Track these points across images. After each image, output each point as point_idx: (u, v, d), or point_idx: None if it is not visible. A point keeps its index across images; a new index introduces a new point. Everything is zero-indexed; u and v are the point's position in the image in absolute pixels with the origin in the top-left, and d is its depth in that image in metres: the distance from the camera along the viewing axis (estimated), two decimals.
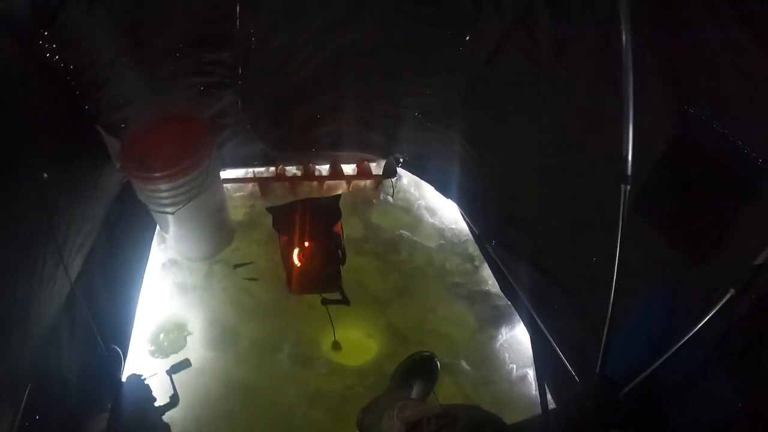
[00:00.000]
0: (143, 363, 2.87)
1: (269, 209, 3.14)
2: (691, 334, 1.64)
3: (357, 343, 3.00)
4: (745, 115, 1.55)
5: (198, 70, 2.85)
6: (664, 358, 1.75)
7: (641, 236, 1.91)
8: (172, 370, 1.95)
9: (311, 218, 3.03)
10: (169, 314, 3.12)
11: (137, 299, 2.94)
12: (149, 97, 2.88)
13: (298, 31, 2.72)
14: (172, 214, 2.79)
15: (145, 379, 1.91)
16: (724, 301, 1.51)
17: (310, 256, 2.95)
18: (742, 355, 1.60)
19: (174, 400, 1.91)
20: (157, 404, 2.02)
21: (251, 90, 3.03)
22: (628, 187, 1.85)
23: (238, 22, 2.65)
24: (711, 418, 1.71)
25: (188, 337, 3.02)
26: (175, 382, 2.49)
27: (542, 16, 2.26)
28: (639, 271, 1.97)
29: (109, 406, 2.40)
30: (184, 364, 1.99)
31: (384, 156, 3.67)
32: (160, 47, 2.69)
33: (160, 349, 2.99)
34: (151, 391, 1.89)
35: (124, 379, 1.86)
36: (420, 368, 2.73)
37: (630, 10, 1.70)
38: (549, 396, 2.62)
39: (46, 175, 2.21)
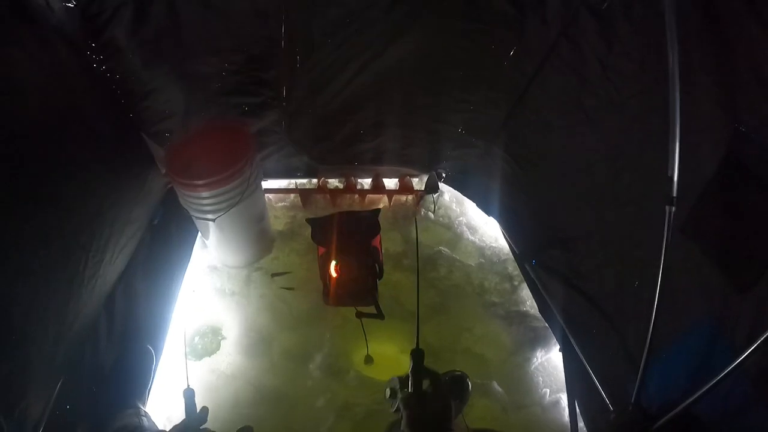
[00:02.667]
0: (176, 364, 2.90)
1: (309, 220, 3.15)
2: (732, 366, 1.56)
3: (389, 358, 2.98)
4: None
5: (242, 90, 2.89)
6: (703, 390, 1.67)
7: (688, 261, 1.84)
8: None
9: (350, 231, 3.01)
10: (205, 318, 3.16)
11: (175, 301, 2.98)
12: (193, 113, 2.94)
13: (342, 51, 2.73)
14: (213, 221, 2.82)
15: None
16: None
17: (347, 268, 2.94)
18: None
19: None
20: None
21: (295, 110, 3.06)
22: (673, 208, 1.80)
23: (283, 43, 2.68)
24: None
25: (222, 342, 3.06)
26: (205, 387, 2.53)
27: (588, 28, 2.22)
28: (683, 297, 1.90)
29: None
30: (247, 430, 2.04)
31: (426, 171, 3.65)
32: (204, 66, 2.74)
33: (194, 352, 3.03)
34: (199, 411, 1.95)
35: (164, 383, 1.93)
36: (451, 387, 2.68)
37: (678, 27, 1.67)
38: (581, 424, 2.55)
39: (93, 179, 2.28)
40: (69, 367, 2.15)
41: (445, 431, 1.46)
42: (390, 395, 1.66)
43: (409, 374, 1.58)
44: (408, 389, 1.57)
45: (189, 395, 1.97)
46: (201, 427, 1.94)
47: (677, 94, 1.72)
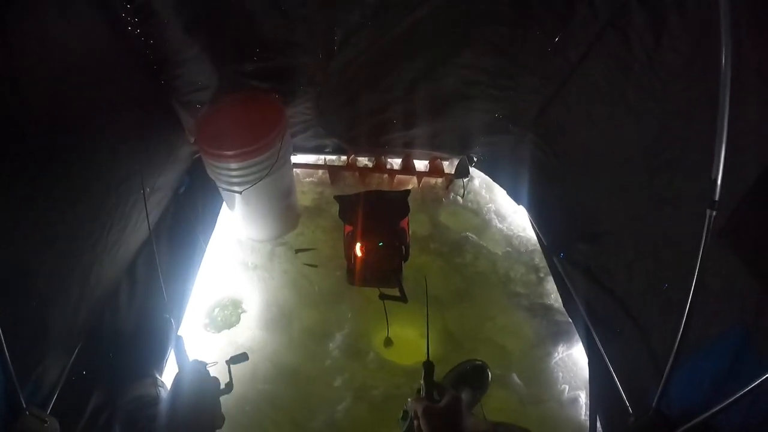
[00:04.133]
0: (195, 335, 2.92)
1: (337, 198, 3.12)
2: (759, 381, 1.51)
3: (410, 342, 2.95)
4: None
5: (275, 74, 2.88)
6: (726, 402, 1.61)
7: (723, 267, 1.78)
8: (232, 361, 1.96)
9: (378, 211, 2.99)
10: (226, 290, 3.15)
11: (196, 272, 2.97)
12: (224, 89, 2.92)
13: (380, 36, 2.69)
14: (240, 193, 2.80)
15: (208, 365, 1.91)
16: None
17: (373, 249, 2.91)
18: None
19: (229, 388, 1.91)
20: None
21: (328, 94, 3.03)
22: (714, 212, 1.73)
23: (319, 31, 2.66)
24: None
25: (242, 315, 3.05)
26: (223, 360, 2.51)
27: (637, 19, 2.14)
28: (714, 304, 1.84)
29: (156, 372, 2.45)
30: (242, 357, 2.00)
31: (458, 155, 3.60)
32: (241, 46, 2.73)
33: (214, 324, 3.03)
34: (213, 380, 1.90)
35: (187, 359, 1.88)
36: (471, 377, 2.66)
37: (732, 22, 1.59)
38: (599, 424, 2.50)
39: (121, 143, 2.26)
40: (88, 333, 2.15)
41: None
42: (402, 416, 1.67)
43: (421, 384, 1.60)
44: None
45: (178, 343, 1.92)
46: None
47: (727, 94, 1.64)
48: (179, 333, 1.96)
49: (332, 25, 2.66)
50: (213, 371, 1.83)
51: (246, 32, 2.67)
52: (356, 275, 2.96)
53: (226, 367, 1.93)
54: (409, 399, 1.59)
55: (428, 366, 1.64)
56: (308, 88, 2.97)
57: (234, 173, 2.73)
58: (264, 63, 2.80)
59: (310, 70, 2.86)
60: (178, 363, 1.86)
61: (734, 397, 1.59)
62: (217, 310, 3.09)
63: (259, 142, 2.65)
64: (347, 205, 3.07)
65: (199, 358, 1.88)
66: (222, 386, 1.90)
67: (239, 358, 2.01)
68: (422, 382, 1.60)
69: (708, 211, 1.74)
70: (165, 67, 2.63)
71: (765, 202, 1.66)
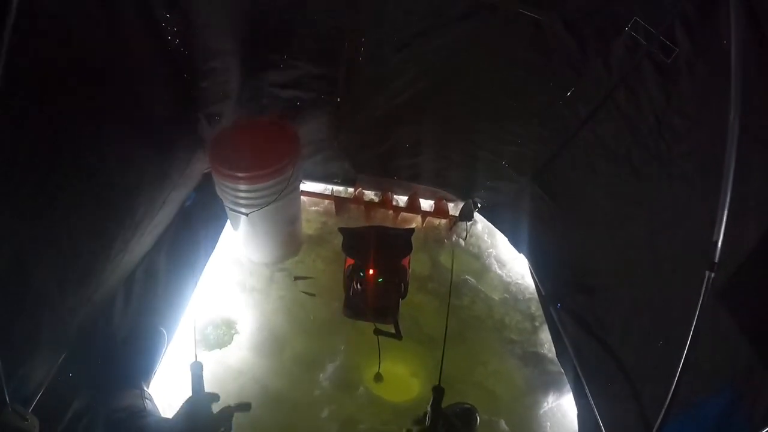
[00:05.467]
0: (186, 352, 2.89)
1: (342, 230, 3.13)
2: None
3: (400, 379, 2.95)
4: None
5: (299, 83, 2.90)
6: None
7: (717, 328, 1.80)
8: (235, 409, 1.97)
9: (382, 247, 2.99)
10: (221, 310, 3.15)
11: (194, 288, 2.96)
12: (246, 99, 2.94)
13: (403, 58, 2.73)
14: (246, 215, 2.81)
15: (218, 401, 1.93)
16: None
17: (372, 283, 2.92)
18: None
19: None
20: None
21: (347, 111, 3.06)
22: (713, 274, 1.76)
23: (347, 43, 2.70)
24: None
25: (235, 336, 3.04)
26: (211, 379, 2.51)
27: (649, 80, 2.19)
28: (706, 365, 1.86)
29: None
30: (245, 407, 2.00)
31: (462, 198, 3.63)
32: (267, 51, 2.76)
33: (205, 342, 3.02)
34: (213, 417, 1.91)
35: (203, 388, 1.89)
36: (459, 419, 2.64)
37: (744, 90, 1.63)
38: None
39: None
40: (80, 338, 2.14)
41: None
42: None
43: (429, 409, 1.56)
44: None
45: (196, 369, 1.92)
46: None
47: (733, 158, 1.68)
48: (197, 358, 1.94)
49: (360, 39, 2.72)
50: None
51: (275, 39, 2.72)
52: (353, 308, 2.96)
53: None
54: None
55: (438, 392, 1.59)
56: (329, 99, 3.00)
57: (242, 195, 2.75)
58: (290, 71, 2.84)
59: (333, 81, 2.90)
60: (193, 389, 1.87)
61: None
62: (210, 328, 3.08)
63: (271, 167, 2.67)
64: (351, 238, 3.07)
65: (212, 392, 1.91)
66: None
67: (242, 407, 2.01)
68: (429, 408, 1.56)
69: (707, 273, 1.77)
70: (194, 77, 2.65)
71: (764, 267, 1.69)
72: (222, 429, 1.90)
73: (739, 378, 1.74)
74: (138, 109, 2.28)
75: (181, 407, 1.86)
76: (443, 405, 2.55)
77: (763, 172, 1.67)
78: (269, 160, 2.69)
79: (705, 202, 1.84)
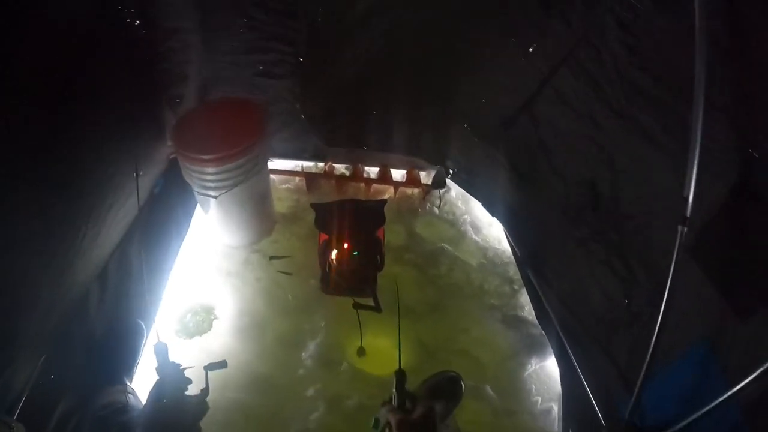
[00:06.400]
0: (166, 341, 2.85)
1: (314, 205, 3.10)
2: (726, 396, 1.53)
3: (383, 351, 2.93)
4: None
5: (259, 46, 2.84)
6: (694, 416, 1.64)
7: (689, 283, 1.80)
8: (210, 368, 1.95)
9: (354, 220, 2.98)
10: (199, 296, 3.10)
11: (168, 277, 2.93)
12: (207, 74, 2.88)
13: (363, 15, 2.70)
14: (215, 198, 2.76)
15: (183, 368, 1.89)
16: (766, 366, 1.40)
17: (348, 257, 2.90)
18: None
19: (204, 393, 1.90)
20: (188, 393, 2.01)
21: (310, 72, 3.00)
22: (686, 229, 1.75)
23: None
24: None
25: (214, 322, 3.01)
26: (196, 369, 2.48)
27: (611, 37, 2.16)
28: (681, 319, 1.86)
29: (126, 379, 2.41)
30: (222, 364, 1.99)
31: (434, 165, 3.60)
32: (226, 18, 2.70)
33: (185, 330, 2.97)
34: (186, 381, 1.88)
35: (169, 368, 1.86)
36: (445, 388, 2.64)
37: (708, 45, 1.61)
38: None
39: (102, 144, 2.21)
40: (58, 338, 2.10)
41: None
42: (373, 424, 1.63)
43: (393, 393, 1.57)
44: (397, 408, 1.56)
45: (160, 349, 1.90)
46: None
47: (700, 114, 1.67)
48: (157, 340, 1.91)
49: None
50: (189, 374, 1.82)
51: (232, 4, 2.67)
52: (330, 284, 2.94)
53: (204, 372, 1.91)
54: (382, 408, 1.57)
55: (400, 375, 1.61)
56: (291, 59, 2.93)
57: (209, 177, 2.70)
58: (248, 35, 2.78)
59: (294, 40, 2.83)
60: (159, 371, 1.84)
61: (700, 412, 1.61)
62: (189, 315, 3.03)
63: (237, 147, 2.62)
64: (323, 214, 3.05)
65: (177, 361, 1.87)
66: (198, 391, 1.89)
67: (217, 365, 1.99)
68: (394, 391, 1.58)
69: (680, 228, 1.76)
70: (155, 60, 2.58)
71: (733, 220, 1.69)
72: (201, 389, 1.90)
73: (713, 330, 1.75)
74: (99, 96, 2.20)
75: (149, 392, 1.84)
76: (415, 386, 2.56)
77: (728, 126, 1.65)
78: (234, 140, 2.65)
79: (670, 157, 1.84)
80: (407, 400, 1.57)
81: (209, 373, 1.95)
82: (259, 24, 2.75)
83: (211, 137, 2.66)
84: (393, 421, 1.46)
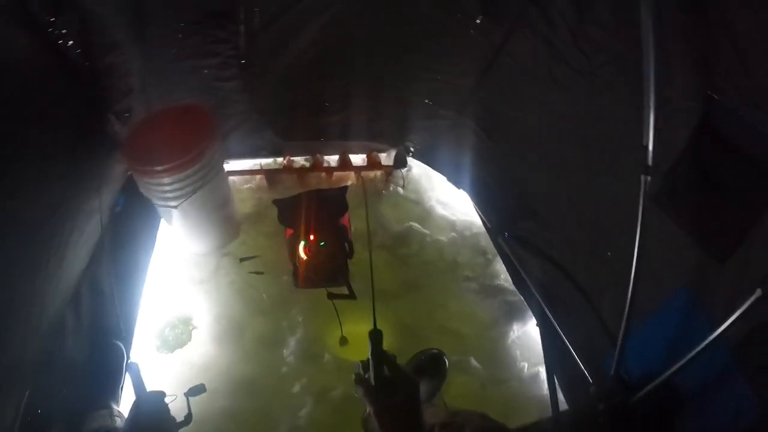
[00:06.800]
0: (148, 358, 2.84)
1: (275, 201, 3.08)
2: (712, 337, 1.54)
3: (365, 338, 2.91)
4: None
5: (201, 51, 2.79)
6: (682, 362, 1.65)
7: (662, 232, 1.82)
8: (190, 393, 1.94)
9: (317, 211, 2.96)
10: (174, 309, 3.08)
11: (141, 293, 2.89)
12: (152, 85, 2.85)
13: (303, 9, 2.65)
14: (175, 207, 2.73)
15: (166, 396, 1.88)
16: (749, 302, 1.40)
17: (315, 249, 2.89)
18: (765, 362, 1.50)
19: (187, 420, 1.89)
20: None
21: (256, 72, 2.96)
22: (649, 178, 1.76)
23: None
24: (729, 427, 1.61)
25: (193, 332, 2.99)
26: (179, 380, 2.47)
27: None
28: (659, 269, 1.88)
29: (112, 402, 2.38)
30: (200, 388, 1.98)
31: (394, 146, 3.59)
32: (162, 26, 2.64)
33: (165, 344, 2.95)
34: (168, 410, 1.87)
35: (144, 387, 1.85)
36: (428, 367, 2.65)
37: None
38: (561, 396, 2.53)
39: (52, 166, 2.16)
40: (38, 371, 2.06)
41: (416, 422, 1.35)
42: (355, 380, 1.48)
43: (369, 357, 1.41)
44: (368, 377, 1.40)
45: (133, 370, 1.88)
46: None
47: (652, 61, 1.67)
48: (132, 359, 1.89)
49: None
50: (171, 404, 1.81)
51: (167, 10, 2.61)
52: (302, 278, 2.92)
53: (185, 399, 1.91)
54: (357, 387, 1.42)
55: (375, 336, 1.44)
56: (234, 61, 2.89)
57: (167, 188, 2.66)
58: (187, 40, 2.71)
59: (235, 41, 2.78)
60: (135, 392, 1.83)
61: (688, 357, 1.62)
62: (167, 330, 3.00)
63: (189, 154, 2.58)
64: (285, 208, 3.03)
65: (157, 389, 1.85)
66: (181, 419, 1.88)
67: (197, 390, 1.98)
68: (369, 356, 1.41)
69: (642, 177, 1.77)
70: (97, 77, 2.52)
71: (695, 164, 1.69)
72: (184, 416, 1.89)
73: (692, 277, 1.76)
74: (43, 123, 2.14)
75: (129, 412, 1.83)
76: (405, 364, 2.55)
77: (685, 70, 1.66)
78: (186, 147, 2.60)
79: (631, 108, 1.83)
80: (385, 365, 1.41)
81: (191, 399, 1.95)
82: (197, 28, 2.69)
83: (161, 147, 2.61)
84: (371, 410, 1.33)
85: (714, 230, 1.67)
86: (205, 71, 2.89)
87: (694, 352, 1.61)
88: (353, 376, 1.40)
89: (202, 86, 2.95)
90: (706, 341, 1.56)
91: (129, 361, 1.89)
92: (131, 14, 2.51)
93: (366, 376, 1.37)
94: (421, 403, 1.37)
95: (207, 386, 2.25)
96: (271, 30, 2.75)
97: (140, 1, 2.50)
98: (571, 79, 2.25)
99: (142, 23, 2.58)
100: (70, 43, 2.28)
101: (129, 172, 2.95)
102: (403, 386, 1.35)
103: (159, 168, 2.56)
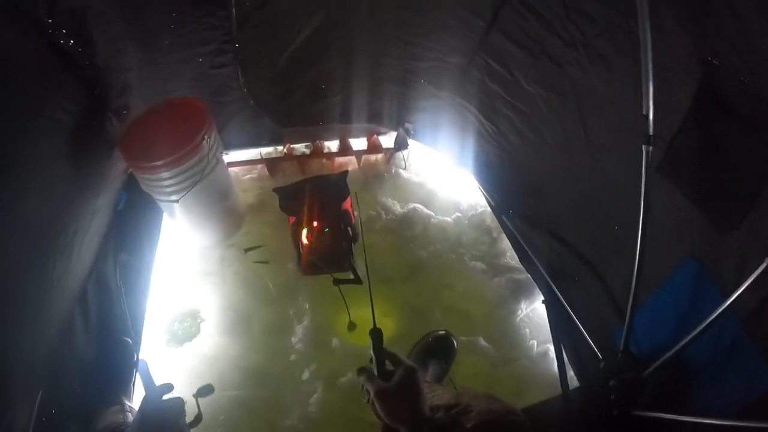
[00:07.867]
0: (158, 352, 2.85)
1: (276, 190, 3.07)
2: (722, 308, 1.53)
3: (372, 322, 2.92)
4: None
5: (195, 39, 2.77)
6: (692, 335, 1.64)
7: (668, 203, 1.79)
8: (198, 393, 1.95)
9: (318, 197, 2.96)
10: (182, 302, 3.07)
11: (149, 288, 2.89)
12: (149, 78, 2.84)
13: None
14: (177, 202, 2.72)
15: (173, 390, 1.88)
16: (759, 272, 1.39)
17: (319, 235, 2.88)
18: None
19: (197, 420, 1.89)
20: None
21: (250, 55, 2.94)
22: (651, 147, 1.74)
23: None
24: (741, 399, 1.59)
25: (202, 325, 2.98)
26: (190, 373, 2.47)
27: None
28: (665, 241, 1.85)
29: (123, 398, 2.38)
30: (209, 389, 1.98)
31: (394, 128, 3.57)
32: (155, 16, 2.63)
33: (175, 338, 2.95)
34: (179, 404, 1.87)
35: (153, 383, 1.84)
36: (436, 348, 2.64)
37: None
38: (571, 373, 2.52)
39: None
40: (50, 373, 2.05)
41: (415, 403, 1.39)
42: (358, 369, 1.56)
43: (372, 354, 1.51)
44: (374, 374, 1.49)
45: (142, 368, 1.88)
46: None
47: (648, 29, 1.64)
48: (141, 356, 1.89)
49: None
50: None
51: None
52: (306, 264, 2.92)
53: (194, 400, 1.91)
54: (359, 377, 1.51)
55: (375, 335, 1.55)
56: (228, 47, 2.87)
57: (167, 183, 2.65)
58: (180, 29, 2.70)
59: (227, 27, 2.76)
60: (144, 387, 1.83)
61: (698, 329, 1.61)
62: (176, 324, 3.00)
63: (186, 147, 2.57)
64: (287, 196, 3.02)
65: (165, 383, 1.85)
66: (192, 419, 1.88)
67: (205, 390, 1.99)
68: (372, 353, 1.52)
69: (644, 147, 1.75)
70: (97, 76, 2.51)
71: (698, 132, 1.66)
72: (195, 416, 1.89)
73: (699, 248, 1.74)
74: (44, 124, 2.13)
75: (138, 410, 1.82)
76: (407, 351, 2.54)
77: (680, 37, 1.62)
78: (182, 141, 2.59)
79: (629, 78, 1.82)
80: (387, 359, 1.52)
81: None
82: (189, 17, 2.67)
83: (158, 142, 2.60)
84: (371, 392, 1.42)
85: (720, 199, 1.64)
86: (200, 59, 2.88)
87: (703, 325, 1.59)
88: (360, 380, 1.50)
89: (197, 75, 2.94)
90: (716, 313, 1.54)
91: (138, 359, 1.88)
92: (126, 6, 2.50)
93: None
94: (422, 386, 1.41)
95: (217, 377, 2.26)
96: (263, 12, 2.72)
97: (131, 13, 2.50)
98: (565, 53, 2.21)
99: (135, 15, 2.56)
100: (71, 42, 2.26)
101: (129, 170, 2.94)
102: (400, 372, 1.42)
103: (156, 163, 2.55)
